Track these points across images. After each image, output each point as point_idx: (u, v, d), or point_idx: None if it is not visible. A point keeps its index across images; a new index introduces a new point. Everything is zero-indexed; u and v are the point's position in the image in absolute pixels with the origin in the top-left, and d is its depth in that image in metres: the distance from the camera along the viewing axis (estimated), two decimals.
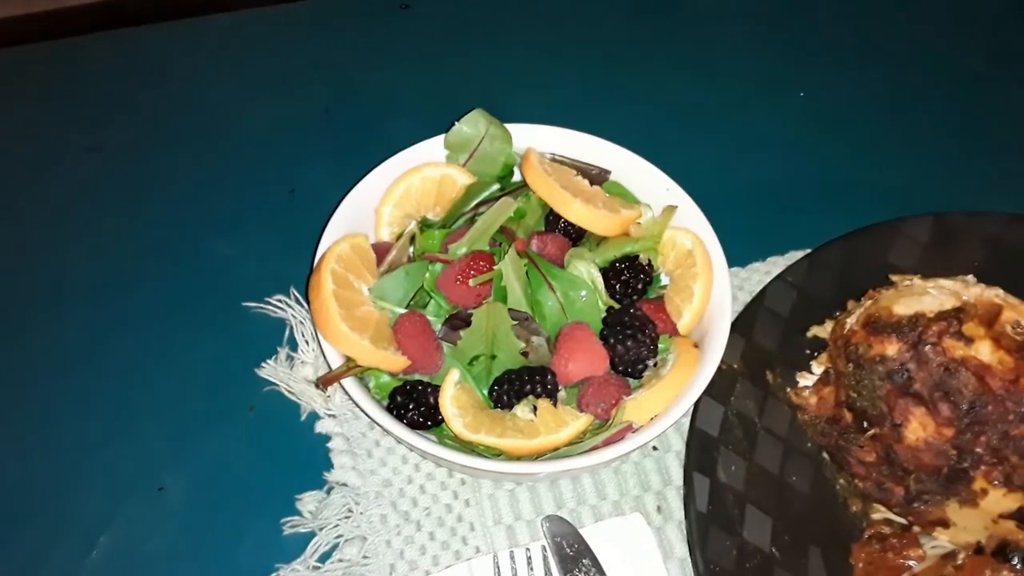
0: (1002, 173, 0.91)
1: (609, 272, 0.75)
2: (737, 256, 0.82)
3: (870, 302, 0.69)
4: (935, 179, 0.89)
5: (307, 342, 0.78)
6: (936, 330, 0.64)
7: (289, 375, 0.76)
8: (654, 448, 0.75)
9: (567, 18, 1.07)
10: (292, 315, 0.79)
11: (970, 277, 0.69)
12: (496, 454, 0.66)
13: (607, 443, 0.66)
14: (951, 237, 0.78)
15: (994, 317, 0.66)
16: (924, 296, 0.67)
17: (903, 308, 0.67)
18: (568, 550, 0.68)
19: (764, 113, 0.98)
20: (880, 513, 0.69)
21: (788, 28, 1.07)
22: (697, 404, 0.69)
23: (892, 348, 0.66)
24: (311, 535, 0.69)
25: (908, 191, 0.86)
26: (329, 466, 0.72)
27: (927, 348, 0.64)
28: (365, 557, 0.68)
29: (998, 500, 0.65)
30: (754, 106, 0.98)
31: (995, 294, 0.67)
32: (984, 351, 0.64)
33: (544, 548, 0.69)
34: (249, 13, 1.07)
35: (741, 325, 0.73)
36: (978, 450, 0.64)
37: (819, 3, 1.10)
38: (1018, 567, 0.64)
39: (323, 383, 0.65)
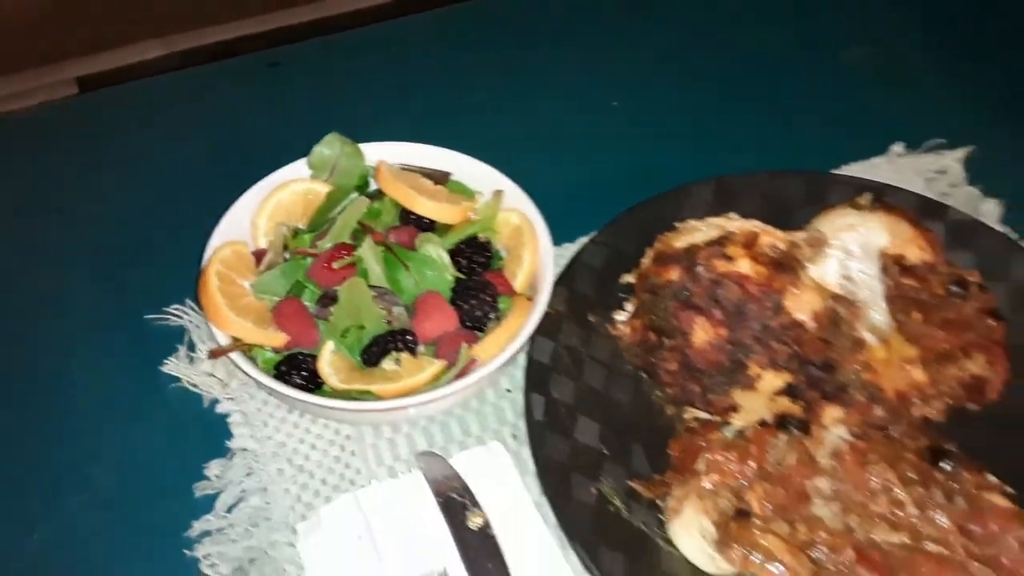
0: (762, 143, 1.11)
1: (456, 252, 0.91)
2: (567, 234, 0.99)
3: (659, 244, 0.86)
4: (720, 156, 1.07)
5: (203, 342, 0.90)
6: (705, 254, 0.81)
7: (190, 369, 0.88)
8: (508, 390, 0.89)
9: (416, 58, 1.25)
10: (188, 320, 0.91)
11: (732, 214, 0.86)
12: (370, 399, 0.80)
13: (458, 378, 0.80)
14: (730, 193, 0.95)
15: (752, 241, 0.83)
16: (696, 231, 0.84)
17: (681, 242, 0.84)
18: (439, 476, 0.82)
19: (584, 120, 1.16)
20: (690, 413, 0.85)
21: (606, 50, 1.27)
22: (532, 341, 0.84)
23: (675, 274, 0.82)
24: (219, 494, 0.81)
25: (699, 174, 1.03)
26: (230, 437, 0.84)
27: (699, 269, 0.81)
28: (267, 503, 0.80)
29: (770, 381, 0.81)
30: (575, 115, 1.17)
31: (754, 225, 0.85)
32: (744, 266, 0.81)
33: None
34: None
35: (564, 279, 0.89)
36: (747, 342, 0.80)
37: (627, 32, 1.30)
38: (795, 432, 0.81)
39: (213, 355, 0.78)
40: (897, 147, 1.12)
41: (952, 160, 1.10)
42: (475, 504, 0.80)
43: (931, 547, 0.76)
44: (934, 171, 1.11)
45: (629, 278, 0.91)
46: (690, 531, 0.76)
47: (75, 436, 0.85)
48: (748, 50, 1.27)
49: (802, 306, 0.80)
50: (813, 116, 1.17)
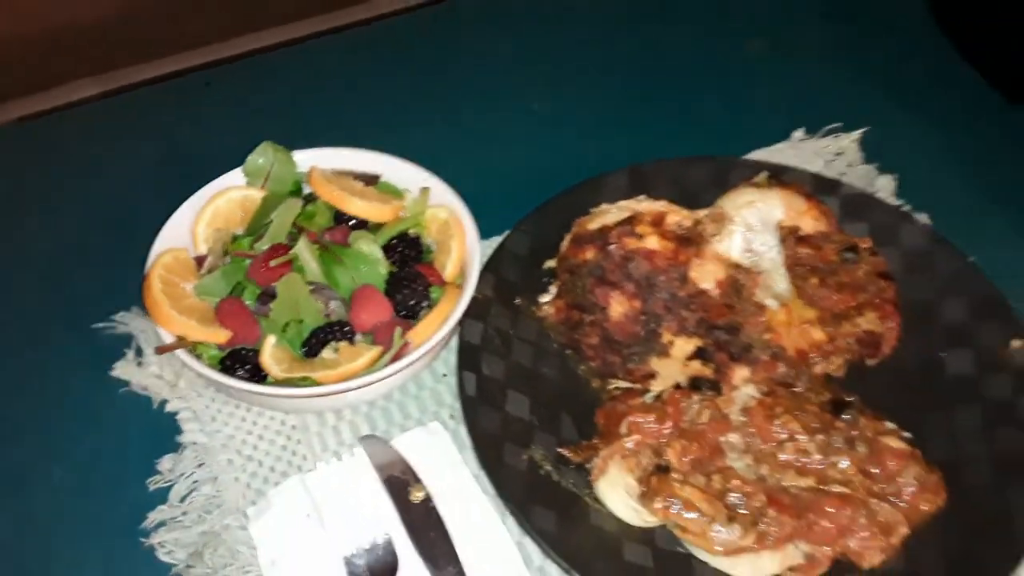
0: (673, 136, 1.19)
1: (388, 248, 0.96)
2: (493, 228, 1.05)
3: (575, 227, 0.93)
4: (634, 149, 1.14)
5: (150, 346, 0.94)
6: (617, 233, 0.88)
7: (138, 373, 0.93)
8: (444, 375, 0.95)
9: (342, 73, 1.31)
10: (134, 327, 0.95)
11: (642, 196, 0.93)
12: (311, 385, 0.85)
13: (393, 361, 0.86)
14: (643, 180, 1.02)
15: (660, 220, 0.90)
16: (608, 214, 0.91)
17: (594, 224, 0.91)
18: (382, 457, 0.87)
19: (505, 123, 1.23)
20: (613, 384, 0.92)
21: (524, 57, 1.35)
22: (462, 324, 0.90)
23: (590, 253, 0.89)
24: (172, 486, 0.85)
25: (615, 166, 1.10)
26: (180, 433, 0.89)
27: (612, 247, 0.88)
28: (218, 492, 0.85)
29: (682, 347, 0.88)
30: (497, 119, 1.24)
31: (661, 205, 0.92)
32: (652, 242, 0.88)
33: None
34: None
35: (491, 266, 0.95)
36: (659, 312, 0.87)
37: (542, 39, 1.38)
38: (707, 393, 0.88)
39: (160, 351, 0.83)
40: (798, 133, 1.20)
41: (849, 142, 1.19)
42: (417, 480, 0.86)
43: (836, 489, 0.84)
44: (833, 153, 1.19)
45: (551, 263, 0.97)
46: (615, 488, 0.83)
47: (31, 437, 0.89)
48: (656, 48, 1.35)
49: (706, 276, 0.87)
50: (720, 107, 1.26)
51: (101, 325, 0.96)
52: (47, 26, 1.79)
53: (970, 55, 1.26)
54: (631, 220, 0.89)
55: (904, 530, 0.83)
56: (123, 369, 0.92)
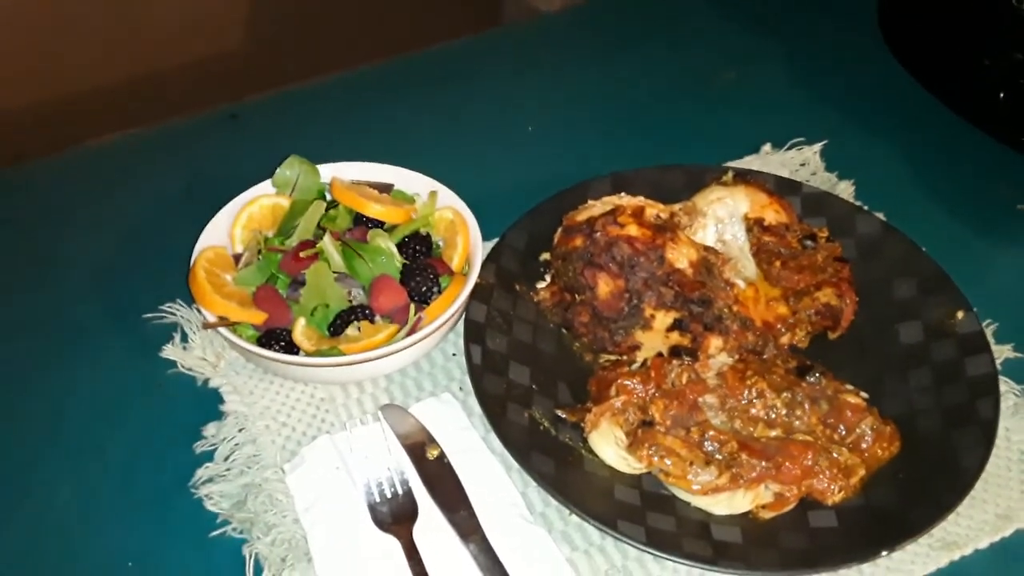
0: (654, 155, 1.31)
1: (401, 245, 1.09)
2: (493, 231, 1.18)
3: (566, 220, 1.06)
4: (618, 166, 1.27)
5: (194, 332, 1.07)
6: (601, 222, 1.01)
7: (184, 355, 1.05)
8: (453, 354, 1.07)
9: (362, 106, 1.46)
10: (180, 316, 1.08)
11: (623, 193, 1.07)
12: (338, 355, 0.97)
13: (409, 335, 0.98)
14: (624, 184, 1.16)
15: (640, 212, 1.03)
16: (594, 207, 1.04)
17: (582, 216, 1.04)
18: (400, 421, 0.99)
19: (504, 142, 1.37)
20: (604, 358, 1.04)
21: (522, 85, 1.49)
22: (468, 306, 1.02)
23: (579, 241, 1.02)
24: (216, 448, 0.97)
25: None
26: (223, 403, 1.00)
27: (597, 234, 1.01)
28: (257, 452, 0.96)
29: (662, 319, 1.00)
30: (498, 139, 1.38)
31: (640, 199, 1.05)
32: (632, 230, 1.01)
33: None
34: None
35: (492, 257, 1.08)
36: (640, 289, 1.00)
37: (537, 70, 1.53)
38: (686, 359, 1.00)
39: (206, 326, 0.95)
40: (766, 147, 1.35)
41: (811, 153, 1.33)
42: (432, 440, 0.97)
43: (800, 437, 0.95)
44: (798, 163, 1.33)
45: (545, 256, 1.10)
46: (606, 439, 0.94)
47: (89, 414, 1.01)
48: (637, 76, 1.51)
49: (680, 257, 1.00)
50: (694, 126, 1.40)
51: (150, 315, 1.09)
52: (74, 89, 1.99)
53: (918, 74, 1.41)
54: (614, 212, 1.02)
55: (862, 471, 0.94)
56: (171, 351, 1.04)
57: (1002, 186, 1.31)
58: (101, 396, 1.03)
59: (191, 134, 1.42)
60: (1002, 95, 1.27)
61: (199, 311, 1.00)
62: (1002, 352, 1.07)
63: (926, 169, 1.34)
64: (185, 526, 0.92)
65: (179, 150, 1.38)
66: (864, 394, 0.99)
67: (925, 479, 0.92)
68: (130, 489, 0.95)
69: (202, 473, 0.94)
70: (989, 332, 1.06)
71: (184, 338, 1.07)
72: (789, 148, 1.34)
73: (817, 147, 1.34)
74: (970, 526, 0.92)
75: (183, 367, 1.04)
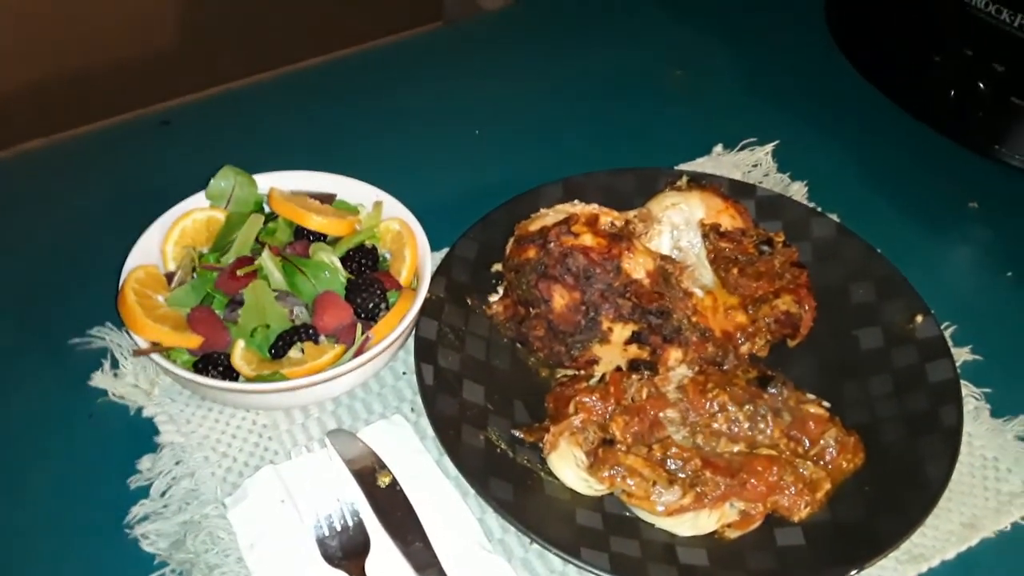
0: (604, 156, 1.28)
1: (346, 258, 1.04)
2: (443, 241, 1.13)
3: (518, 230, 1.02)
4: (568, 169, 1.24)
5: (125, 357, 1.00)
6: (555, 232, 0.97)
7: (115, 382, 0.98)
8: (403, 373, 1.02)
9: (296, 108, 1.39)
10: (109, 340, 1.01)
11: (576, 201, 1.03)
12: (280, 380, 0.91)
13: (356, 355, 0.93)
14: (576, 189, 1.12)
15: (594, 220, 1.00)
16: (547, 216, 1.00)
17: (535, 226, 1.00)
18: (349, 447, 0.93)
19: (451, 146, 1.33)
20: (561, 373, 1.00)
21: (466, 85, 1.45)
22: (418, 322, 0.97)
23: (532, 252, 0.98)
24: (152, 483, 0.90)
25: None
26: (158, 434, 0.94)
27: (551, 245, 0.97)
28: (196, 486, 0.90)
29: (620, 332, 0.97)
30: (443, 143, 1.33)
31: (593, 207, 1.02)
32: (587, 239, 0.97)
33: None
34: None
35: (442, 270, 1.03)
36: (597, 301, 0.96)
37: (484, 68, 1.48)
38: (645, 373, 0.96)
39: (136, 354, 0.89)
40: (718, 148, 1.32)
41: (763, 154, 1.31)
42: (383, 466, 0.92)
43: (764, 451, 0.93)
44: (750, 164, 1.31)
45: (498, 267, 1.06)
46: (566, 460, 0.91)
47: (12, 445, 0.94)
48: (585, 78, 1.47)
49: (636, 267, 0.97)
50: (644, 128, 1.37)
51: (77, 340, 1.02)
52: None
53: (867, 72, 1.40)
54: (568, 221, 0.98)
55: (827, 486, 0.92)
56: (100, 379, 0.98)
57: (953, 184, 1.30)
58: (24, 428, 0.96)
59: (118, 141, 1.35)
60: (952, 92, 1.26)
61: (130, 335, 0.94)
62: (960, 355, 1.06)
63: (878, 168, 1.33)
64: (119, 569, 0.86)
65: (105, 158, 1.30)
66: (826, 404, 0.97)
67: (891, 492, 0.90)
68: (58, 530, 0.89)
69: (137, 511, 0.88)
70: (947, 335, 1.05)
71: (115, 364, 1.00)
72: (741, 149, 1.32)
73: (769, 147, 1.32)
74: (936, 536, 0.91)
75: (114, 395, 0.98)
